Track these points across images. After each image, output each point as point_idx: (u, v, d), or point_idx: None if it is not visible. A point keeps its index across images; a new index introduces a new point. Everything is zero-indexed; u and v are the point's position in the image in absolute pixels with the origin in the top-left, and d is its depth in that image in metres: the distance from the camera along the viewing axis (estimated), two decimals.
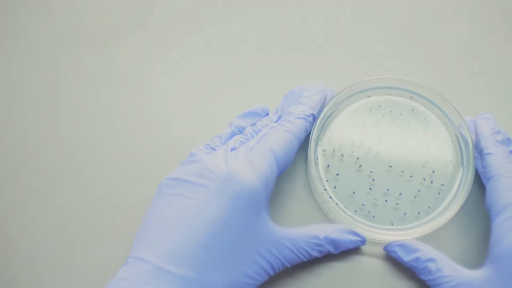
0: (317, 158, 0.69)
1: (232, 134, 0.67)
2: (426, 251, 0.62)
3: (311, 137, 0.67)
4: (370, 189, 0.67)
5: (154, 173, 0.67)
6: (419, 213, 0.67)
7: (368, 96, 0.72)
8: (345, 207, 0.67)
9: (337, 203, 0.67)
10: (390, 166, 0.68)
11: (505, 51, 0.78)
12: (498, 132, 0.67)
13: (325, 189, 0.67)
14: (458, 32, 0.80)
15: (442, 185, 0.68)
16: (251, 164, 0.60)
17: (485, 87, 0.76)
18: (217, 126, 0.70)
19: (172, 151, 0.71)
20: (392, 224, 0.66)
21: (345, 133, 0.70)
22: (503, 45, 0.79)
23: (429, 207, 0.67)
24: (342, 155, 0.69)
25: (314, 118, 0.67)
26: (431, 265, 0.61)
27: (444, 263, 0.61)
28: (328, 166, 0.69)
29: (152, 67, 0.77)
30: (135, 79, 0.76)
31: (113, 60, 0.78)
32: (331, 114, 0.71)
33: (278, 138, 0.63)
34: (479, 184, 0.67)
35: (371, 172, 0.68)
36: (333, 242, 0.63)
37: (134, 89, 0.76)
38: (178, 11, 0.81)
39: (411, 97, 0.72)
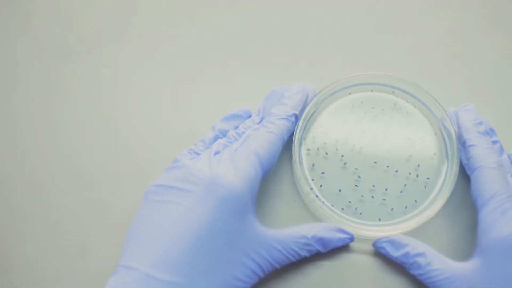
0: (302, 158, 0.69)
1: (216, 138, 0.67)
2: (415, 245, 0.62)
3: (295, 137, 0.67)
4: (356, 186, 0.67)
5: (141, 180, 0.67)
6: (406, 207, 0.67)
7: (350, 93, 0.72)
8: (332, 205, 0.67)
9: (323, 202, 0.67)
10: (375, 162, 0.68)
11: (485, 43, 0.79)
12: (480, 123, 0.67)
13: (311, 188, 0.67)
14: (437, 25, 0.80)
15: (427, 178, 0.68)
16: (235, 167, 0.60)
17: (467, 79, 0.76)
18: (201, 131, 0.70)
19: (157, 158, 0.70)
20: (379, 220, 0.66)
21: (329, 131, 0.70)
22: (483, 36, 0.79)
23: (416, 201, 0.67)
24: (326, 154, 0.69)
25: (297, 118, 0.67)
26: (420, 260, 0.61)
27: (433, 257, 0.61)
28: (313, 165, 0.69)
29: (133, 75, 0.76)
30: (117, 88, 0.76)
31: (93, 70, 0.77)
32: (313, 113, 0.71)
33: (261, 140, 0.63)
34: (465, 175, 0.67)
35: (356, 169, 0.68)
36: (321, 240, 0.62)
37: (116, 97, 0.75)
38: (157, 18, 0.81)
39: (393, 92, 0.72)
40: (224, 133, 0.68)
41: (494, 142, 0.67)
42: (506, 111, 0.74)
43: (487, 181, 0.62)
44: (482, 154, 0.64)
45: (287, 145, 0.67)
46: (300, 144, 0.69)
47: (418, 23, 0.80)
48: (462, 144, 0.67)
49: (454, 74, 0.76)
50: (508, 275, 0.57)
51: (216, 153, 0.63)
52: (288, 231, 0.62)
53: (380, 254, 0.65)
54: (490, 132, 0.68)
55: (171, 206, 0.59)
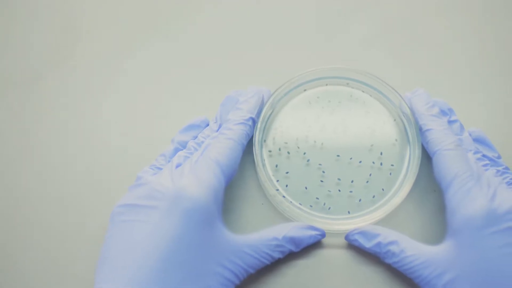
0: (264, 160, 0.69)
1: (176, 150, 0.67)
2: (387, 234, 0.62)
3: (255, 140, 0.67)
4: (322, 181, 0.67)
5: (105, 202, 0.67)
6: (373, 197, 0.67)
7: (305, 90, 0.72)
8: (300, 204, 0.67)
9: (291, 202, 0.67)
10: (338, 155, 0.68)
11: (432, 25, 0.79)
12: (433, 105, 0.67)
13: (277, 190, 0.67)
14: (383, 10, 0.80)
15: (392, 165, 0.68)
16: (197, 178, 0.59)
17: (420, 63, 0.77)
18: (162, 145, 0.69)
19: (121, 177, 0.70)
20: (349, 212, 0.66)
21: (288, 130, 0.70)
22: (430, 19, 0.79)
23: (383, 189, 0.67)
24: (288, 153, 0.69)
25: (254, 121, 0.66)
26: (393, 248, 0.61)
27: (406, 244, 0.61)
28: (277, 166, 0.68)
29: (85, 99, 0.75)
30: (71, 112, 0.75)
31: (45, 97, 0.76)
32: (271, 114, 0.71)
33: (220, 148, 0.62)
34: (428, 157, 0.67)
35: (320, 164, 0.68)
36: (293, 240, 0.62)
37: (71, 122, 0.74)
38: (103, 41, 0.79)
39: (348, 84, 0.72)
40: (183, 145, 0.67)
41: (452, 122, 0.68)
42: (464, 89, 0.75)
43: (447, 163, 0.62)
44: (438, 137, 0.64)
45: (249, 149, 0.67)
46: (261, 146, 0.69)
47: (368, 12, 0.80)
48: (419, 130, 0.67)
49: (408, 58, 0.77)
50: (479, 253, 0.57)
51: (177, 166, 0.63)
52: (259, 234, 0.62)
53: (353, 246, 0.65)
54: (448, 112, 0.68)
55: (138, 224, 0.58)
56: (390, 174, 0.68)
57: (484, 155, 0.66)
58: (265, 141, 0.70)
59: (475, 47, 0.78)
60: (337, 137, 0.69)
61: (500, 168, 0.65)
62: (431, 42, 0.78)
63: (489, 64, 0.76)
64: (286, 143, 0.69)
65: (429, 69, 0.76)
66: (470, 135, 0.68)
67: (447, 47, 0.77)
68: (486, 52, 0.77)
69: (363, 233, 0.63)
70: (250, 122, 0.66)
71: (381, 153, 0.69)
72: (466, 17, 0.79)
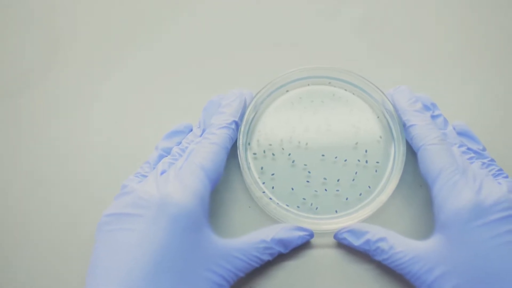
0: (249, 163, 0.68)
1: (160, 157, 0.67)
2: (375, 231, 0.62)
3: (239, 143, 0.66)
4: (308, 181, 0.67)
5: (94, 212, 0.66)
6: (360, 194, 0.67)
7: (287, 91, 0.72)
8: (287, 205, 0.66)
9: (278, 203, 0.66)
10: (323, 155, 0.68)
11: (414, 20, 0.79)
12: (416, 101, 0.68)
13: (264, 192, 0.67)
14: (364, 7, 0.80)
15: (377, 162, 0.68)
16: (182, 184, 0.59)
17: (402, 59, 0.77)
18: (147, 152, 0.69)
19: (108, 186, 0.69)
20: (336, 211, 0.66)
21: (272, 132, 0.70)
22: (412, 14, 0.80)
23: (369, 187, 0.67)
24: (273, 155, 0.69)
25: (237, 124, 0.66)
26: (382, 245, 0.61)
27: (395, 240, 0.61)
28: (262, 168, 0.68)
29: (67, 110, 0.75)
30: (55, 123, 0.74)
31: (27, 109, 0.76)
32: (254, 116, 0.71)
33: (204, 152, 0.62)
34: (413, 153, 0.67)
35: (305, 165, 0.68)
36: (281, 242, 0.62)
37: (57, 133, 0.74)
38: (86, 52, 0.79)
39: (329, 83, 0.72)
40: (168, 151, 0.67)
41: (435, 117, 0.68)
42: (448, 83, 0.75)
43: (432, 158, 0.62)
44: (422, 133, 0.64)
45: (234, 152, 0.67)
46: (246, 149, 0.69)
47: (349, 10, 0.80)
48: (403, 125, 0.67)
49: (391, 54, 0.77)
50: (468, 247, 0.57)
51: (162, 173, 0.63)
52: (247, 237, 0.62)
53: (342, 245, 0.65)
54: (431, 106, 0.68)
55: (125, 233, 0.58)
56: (376, 171, 0.68)
57: (469, 148, 0.66)
58: (249, 143, 0.69)
59: (458, 40, 0.78)
60: (321, 137, 0.69)
61: (485, 161, 0.65)
62: (414, 37, 0.78)
63: (472, 58, 0.77)
64: (270, 145, 0.69)
65: (412, 65, 0.76)
66: (454, 128, 0.68)
67: (429, 41, 0.78)
68: (469, 46, 0.78)
69: (351, 231, 0.63)
70: (233, 126, 0.65)
71: (366, 151, 0.69)
72: (450, 10, 0.80)
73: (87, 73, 0.78)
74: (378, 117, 0.70)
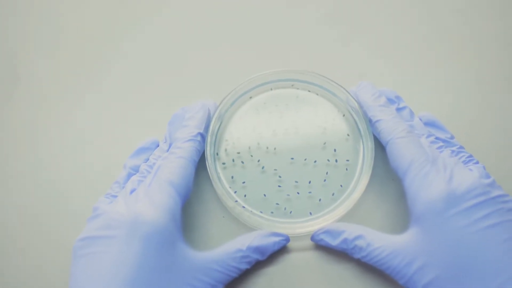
0: (219, 173, 0.68)
1: (129, 176, 0.66)
2: (352, 230, 0.62)
3: (207, 154, 0.66)
4: (280, 186, 0.67)
5: (66, 236, 0.66)
6: (333, 194, 0.67)
7: (251, 97, 0.72)
8: (261, 212, 0.66)
9: (251, 211, 0.66)
10: (292, 158, 0.68)
11: (374, 14, 0.80)
12: (379, 96, 0.68)
13: (236, 201, 0.66)
14: (318, 5, 0.80)
15: (347, 160, 0.68)
16: (152, 201, 0.59)
17: (362, 52, 0.77)
18: (116, 172, 0.68)
19: (80, 210, 0.68)
20: (310, 213, 0.66)
21: (239, 140, 0.70)
22: (371, 7, 0.80)
23: (341, 186, 0.67)
24: (242, 163, 0.68)
25: (203, 136, 0.66)
26: (360, 242, 0.61)
27: (372, 236, 0.61)
28: (232, 177, 0.68)
29: (31, 134, 0.74)
30: (22, 148, 0.74)
31: None
32: (219, 126, 0.70)
33: (172, 167, 0.62)
34: (382, 148, 0.67)
35: (275, 169, 0.68)
36: (257, 249, 0.62)
37: (24, 157, 0.73)
38: (43, 74, 0.78)
39: (293, 85, 0.72)
40: (136, 169, 0.66)
41: (401, 109, 0.68)
42: (411, 74, 0.75)
43: (401, 151, 0.62)
44: (389, 127, 0.64)
45: (203, 164, 0.66)
46: (214, 160, 0.68)
47: (307, 7, 0.80)
48: (370, 121, 0.67)
49: (352, 50, 0.77)
50: (444, 236, 0.57)
51: (132, 191, 0.62)
52: (223, 248, 0.61)
53: (320, 246, 0.65)
54: (396, 99, 0.69)
55: (99, 256, 0.58)
56: (347, 169, 0.68)
57: (437, 138, 0.66)
58: (217, 154, 0.69)
59: (420, 30, 0.78)
60: (289, 140, 0.69)
61: (454, 148, 0.65)
62: (374, 30, 0.78)
63: (439, 47, 0.77)
64: (238, 153, 0.69)
65: (374, 59, 0.76)
66: (420, 119, 0.68)
67: (389, 33, 0.78)
68: (431, 36, 0.78)
69: (328, 232, 0.63)
70: (198, 138, 0.65)
71: (335, 150, 0.69)
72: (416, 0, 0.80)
73: (47, 97, 0.77)
74: (344, 115, 0.70)
